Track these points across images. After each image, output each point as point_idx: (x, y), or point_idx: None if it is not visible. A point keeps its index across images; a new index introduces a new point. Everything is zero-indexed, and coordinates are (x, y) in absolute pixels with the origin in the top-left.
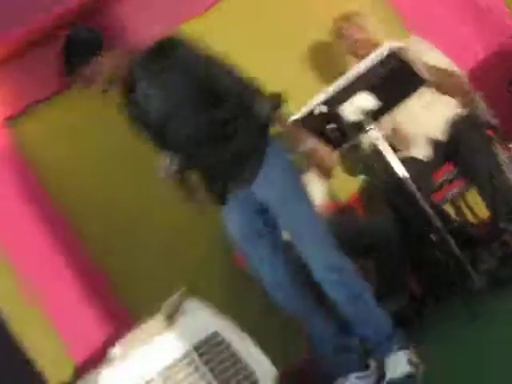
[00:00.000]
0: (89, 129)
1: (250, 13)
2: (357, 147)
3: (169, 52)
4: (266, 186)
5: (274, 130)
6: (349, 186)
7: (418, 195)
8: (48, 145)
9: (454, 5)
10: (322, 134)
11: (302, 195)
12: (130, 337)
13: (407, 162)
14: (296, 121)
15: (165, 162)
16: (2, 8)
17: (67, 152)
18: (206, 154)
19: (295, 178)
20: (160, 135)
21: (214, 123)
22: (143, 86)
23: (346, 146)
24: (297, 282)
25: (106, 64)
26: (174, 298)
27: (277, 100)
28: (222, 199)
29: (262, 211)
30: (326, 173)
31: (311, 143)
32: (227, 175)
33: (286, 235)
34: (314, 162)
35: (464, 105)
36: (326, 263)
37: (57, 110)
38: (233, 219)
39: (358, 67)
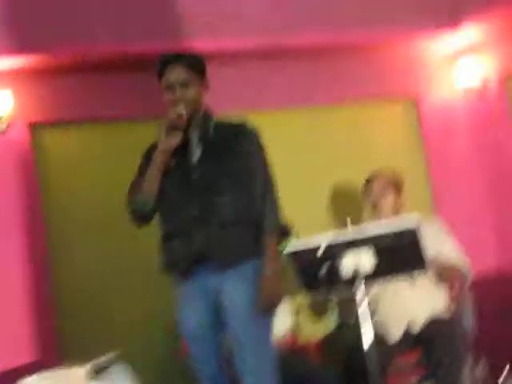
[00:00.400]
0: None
1: (299, 134)
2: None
3: (241, 134)
4: (236, 288)
5: None
6: (313, 330)
7: (373, 369)
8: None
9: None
10: (306, 272)
11: (266, 320)
12: (46, 374)
13: (377, 335)
14: (291, 253)
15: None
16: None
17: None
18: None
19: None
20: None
21: (233, 212)
22: (196, 150)
23: (327, 292)
24: None
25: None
26: (106, 358)
27: (287, 229)
28: (186, 273)
29: (217, 312)
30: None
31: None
32: (207, 249)
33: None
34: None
35: (452, 300)
36: None
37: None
38: (189, 312)
39: (374, 226)
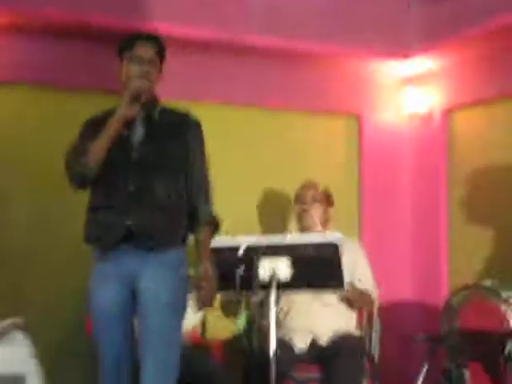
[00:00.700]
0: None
1: (242, 133)
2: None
3: (185, 124)
4: (158, 274)
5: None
6: (220, 329)
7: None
8: None
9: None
10: (223, 270)
11: (179, 313)
12: None
13: (282, 343)
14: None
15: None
16: None
17: None
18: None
19: (184, 293)
20: (116, 166)
21: (166, 182)
22: (139, 129)
23: (241, 293)
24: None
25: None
26: (7, 322)
27: (218, 222)
28: (110, 248)
29: (132, 293)
30: (205, 303)
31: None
32: (138, 227)
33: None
34: (202, 288)
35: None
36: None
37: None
38: (103, 290)
39: (297, 236)
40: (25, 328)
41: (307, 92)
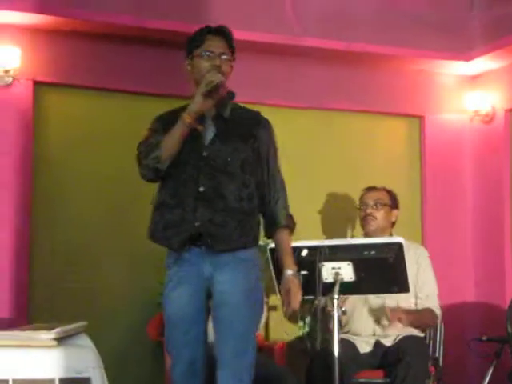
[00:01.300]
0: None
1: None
2: (313, 302)
3: (257, 124)
4: (233, 276)
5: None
6: (282, 332)
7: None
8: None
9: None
10: None
11: (255, 314)
12: (12, 333)
13: (346, 343)
14: (273, 249)
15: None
16: None
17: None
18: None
19: (259, 294)
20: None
21: (237, 184)
22: (211, 127)
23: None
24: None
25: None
26: (72, 326)
27: (294, 225)
28: (178, 244)
29: (207, 296)
30: (293, 306)
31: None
32: (208, 229)
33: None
34: (290, 291)
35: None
36: (238, 375)
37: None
38: (180, 293)
39: (361, 240)
40: (88, 331)
41: (369, 94)
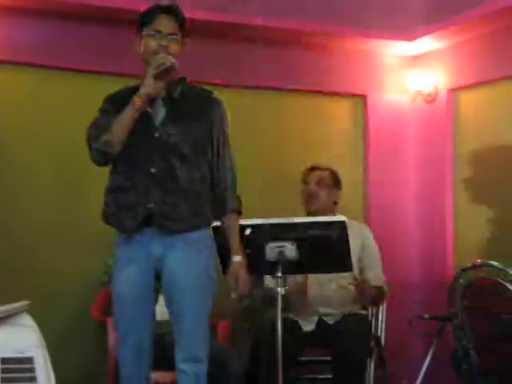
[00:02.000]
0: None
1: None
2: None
3: (209, 104)
4: (183, 257)
5: None
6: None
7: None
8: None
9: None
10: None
11: (207, 292)
12: None
13: (289, 322)
14: (217, 227)
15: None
16: None
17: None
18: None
19: (211, 273)
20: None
21: (189, 165)
22: (161, 108)
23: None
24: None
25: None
26: (13, 305)
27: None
28: (133, 226)
29: (155, 276)
30: (243, 291)
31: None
32: (161, 210)
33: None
34: (239, 277)
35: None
36: (193, 355)
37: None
38: (128, 273)
39: (304, 219)
40: (30, 311)
41: (313, 73)
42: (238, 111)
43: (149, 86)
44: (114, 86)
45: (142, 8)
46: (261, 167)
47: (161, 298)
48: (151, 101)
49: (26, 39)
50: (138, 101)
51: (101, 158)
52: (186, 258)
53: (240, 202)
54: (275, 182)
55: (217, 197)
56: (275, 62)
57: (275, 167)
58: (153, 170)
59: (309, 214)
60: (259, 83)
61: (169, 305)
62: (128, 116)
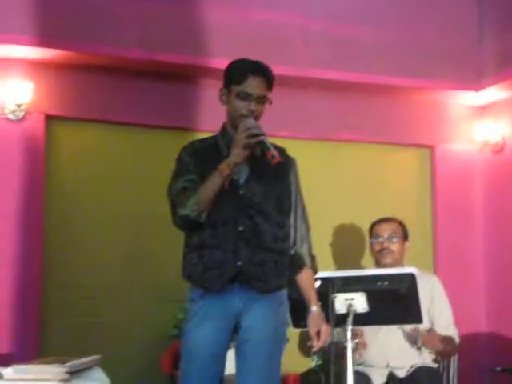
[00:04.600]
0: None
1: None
2: None
3: (286, 163)
4: (260, 315)
5: None
6: (297, 363)
7: None
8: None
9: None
10: (299, 305)
11: (280, 353)
12: (25, 367)
13: (360, 375)
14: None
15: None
16: None
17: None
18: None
19: (285, 331)
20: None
21: (273, 224)
22: (245, 166)
23: None
24: None
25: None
26: (85, 359)
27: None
28: (217, 285)
29: (232, 332)
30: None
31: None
32: (244, 265)
33: None
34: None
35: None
36: None
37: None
38: (207, 327)
39: (373, 271)
40: (101, 365)
41: (379, 124)
42: (304, 164)
43: (238, 156)
44: (179, 140)
45: (201, 63)
46: (326, 221)
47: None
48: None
49: (91, 95)
50: (225, 169)
51: (186, 224)
52: (265, 314)
53: (315, 260)
54: (341, 236)
55: (294, 255)
56: (339, 113)
57: (341, 221)
58: (241, 229)
59: (377, 266)
60: (326, 135)
61: (239, 358)
62: (216, 185)
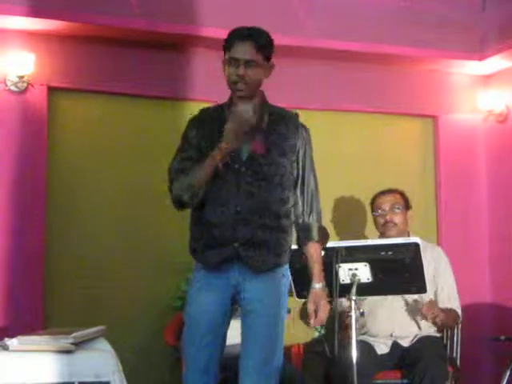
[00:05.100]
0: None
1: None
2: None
3: (293, 130)
4: (260, 287)
5: None
6: (300, 333)
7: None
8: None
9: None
10: (302, 275)
11: (283, 322)
12: (30, 338)
13: (363, 345)
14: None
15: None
16: None
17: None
18: (240, 217)
19: (286, 302)
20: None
21: (276, 201)
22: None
23: None
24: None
25: None
26: (90, 330)
27: (327, 237)
28: (215, 263)
29: (232, 303)
30: (321, 322)
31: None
32: (241, 246)
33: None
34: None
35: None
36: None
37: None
38: (208, 296)
39: (377, 241)
40: (106, 336)
41: (382, 94)
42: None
43: (228, 145)
44: (182, 111)
45: (204, 33)
46: (331, 190)
47: (233, 322)
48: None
49: (94, 66)
50: (218, 155)
51: (179, 204)
52: (265, 288)
53: (326, 232)
54: (344, 207)
55: (301, 228)
56: (342, 83)
57: (345, 190)
58: (239, 209)
59: (382, 237)
60: (327, 105)
61: (244, 329)
62: (209, 170)
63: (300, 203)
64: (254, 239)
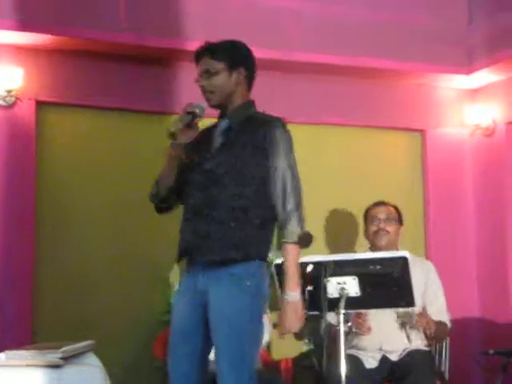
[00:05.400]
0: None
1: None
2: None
3: (264, 130)
4: (218, 290)
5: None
6: (289, 347)
7: None
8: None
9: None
10: None
11: (245, 330)
12: (18, 352)
13: (352, 359)
14: (277, 265)
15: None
16: None
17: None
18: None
19: (256, 310)
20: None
21: (228, 208)
22: (218, 141)
23: (310, 312)
24: None
25: None
26: (79, 345)
27: (309, 238)
28: (178, 259)
29: (204, 308)
30: (284, 331)
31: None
32: (194, 244)
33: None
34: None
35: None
36: None
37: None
38: (182, 302)
39: (366, 254)
40: (94, 350)
41: (370, 108)
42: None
43: (179, 137)
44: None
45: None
46: (317, 204)
47: None
48: (211, 132)
49: (82, 81)
50: (169, 151)
51: (156, 209)
52: (228, 289)
53: (309, 236)
54: (333, 220)
55: (278, 224)
56: (329, 96)
57: (331, 205)
58: (191, 201)
59: (377, 249)
60: (315, 119)
61: (212, 337)
62: (166, 167)
63: (275, 203)
64: (200, 232)
